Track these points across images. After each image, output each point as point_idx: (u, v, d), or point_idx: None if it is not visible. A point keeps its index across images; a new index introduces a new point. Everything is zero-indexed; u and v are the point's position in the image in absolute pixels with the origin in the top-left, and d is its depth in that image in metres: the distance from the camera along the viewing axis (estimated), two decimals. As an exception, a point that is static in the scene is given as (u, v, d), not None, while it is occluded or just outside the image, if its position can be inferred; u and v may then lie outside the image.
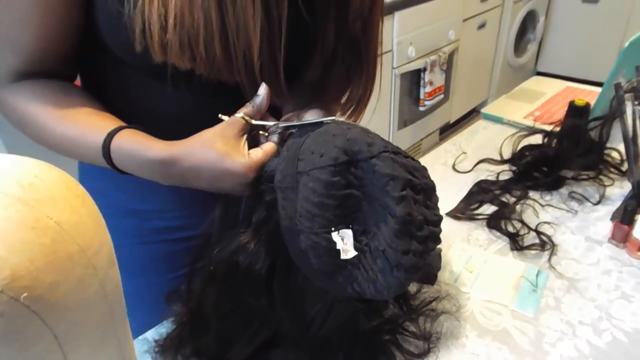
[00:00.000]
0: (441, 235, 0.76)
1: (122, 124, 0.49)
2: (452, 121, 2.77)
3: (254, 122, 0.48)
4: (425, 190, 0.41)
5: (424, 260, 0.41)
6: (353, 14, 0.52)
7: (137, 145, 0.46)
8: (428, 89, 2.27)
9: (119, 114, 0.52)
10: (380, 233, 0.39)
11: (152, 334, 0.59)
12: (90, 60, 0.53)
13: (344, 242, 0.39)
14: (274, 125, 0.49)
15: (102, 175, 0.50)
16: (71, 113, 0.48)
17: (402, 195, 0.38)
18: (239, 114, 0.47)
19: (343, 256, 0.39)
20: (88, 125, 0.48)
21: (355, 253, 0.40)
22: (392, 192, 0.38)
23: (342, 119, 0.63)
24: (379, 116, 2.16)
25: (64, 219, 0.30)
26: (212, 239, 0.47)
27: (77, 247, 0.30)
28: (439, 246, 0.74)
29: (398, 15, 1.96)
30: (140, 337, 0.60)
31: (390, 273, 0.39)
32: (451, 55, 2.40)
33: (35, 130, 0.49)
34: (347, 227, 0.40)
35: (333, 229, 0.39)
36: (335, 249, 0.39)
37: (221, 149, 0.44)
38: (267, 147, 0.47)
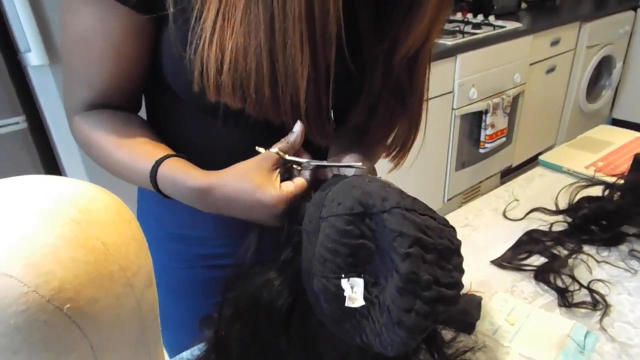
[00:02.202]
0: (483, 284, 0.75)
1: (171, 152, 0.53)
2: (514, 165, 2.68)
3: (287, 157, 0.50)
4: (440, 251, 0.40)
5: (430, 322, 0.39)
6: (400, 61, 0.54)
7: (178, 173, 0.50)
8: (489, 131, 2.22)
9: (174, 144, 0.57)
10: (388, 287, 0.39)
11: (187, 355, 0.62)
12: (153, 96, 0.59)
13: (353, 291, 0.39)
14: (307, 162, 0.51)
15: (157, 200, 0.54)
16: (128, 141, 0.54)
17: (408, 253, 0.38)
18: (274, 149, 0.50)
19: (348, 304, 0.39)
20: (140, 153, 0.53)
21: (363, 303, 0.40)
22: (398, 248, 0.38)
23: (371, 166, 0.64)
24: (437, 156, 2.15)
25: (109, 241, 0.33)
26: (243, 271, 0.49)
27: (118, 267, 0.33)
28: (479, 294, 0.73)
29: (460, 57, 1.96)
30: (177, 357, 0.62)
31: (392, 329, 0.39)
32: (516, 99, 2.34)
33: (97, 154, 0.55)
34: (359, 276, 0.40)
35: (343, 275, 0.40)
36: (343, 295, 0.40)
37: (254, 180, 0.47)
38: (299, 181, 0.49)
